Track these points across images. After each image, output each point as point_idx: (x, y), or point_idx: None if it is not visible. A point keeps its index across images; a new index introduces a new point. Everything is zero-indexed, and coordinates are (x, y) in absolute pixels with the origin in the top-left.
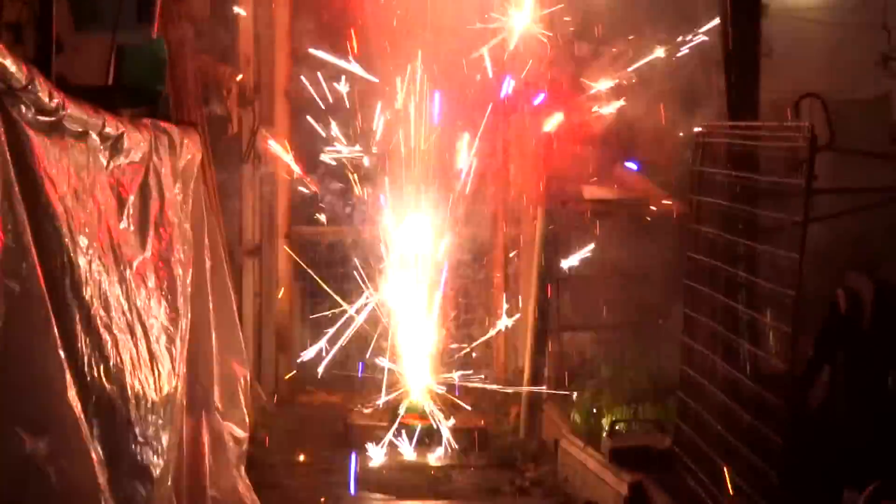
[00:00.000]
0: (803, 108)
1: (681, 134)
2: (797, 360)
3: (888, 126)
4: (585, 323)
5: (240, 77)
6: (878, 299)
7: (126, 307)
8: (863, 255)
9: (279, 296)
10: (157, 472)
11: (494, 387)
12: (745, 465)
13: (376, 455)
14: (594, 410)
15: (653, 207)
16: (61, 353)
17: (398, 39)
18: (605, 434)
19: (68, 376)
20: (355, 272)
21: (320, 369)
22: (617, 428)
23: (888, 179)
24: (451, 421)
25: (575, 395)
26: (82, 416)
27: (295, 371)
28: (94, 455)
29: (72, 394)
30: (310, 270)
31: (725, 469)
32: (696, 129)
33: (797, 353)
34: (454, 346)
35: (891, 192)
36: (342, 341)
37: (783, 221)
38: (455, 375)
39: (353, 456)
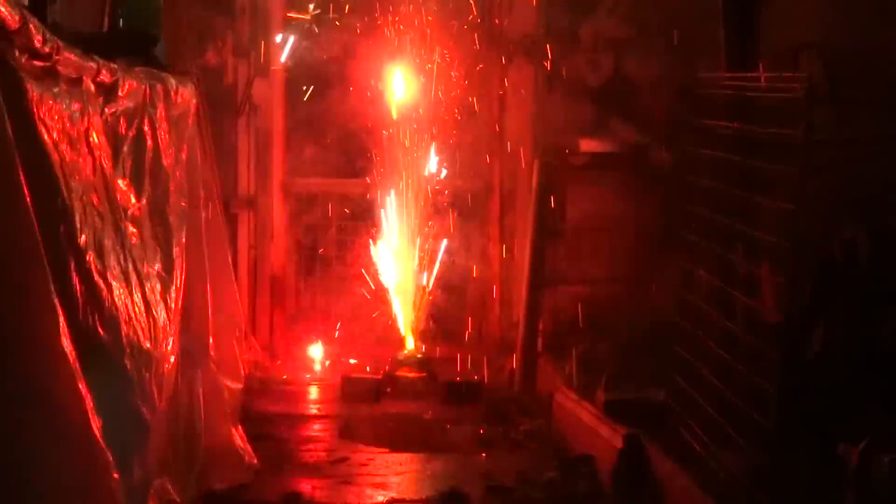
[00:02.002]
0: (802, 59)
1: (678, 86)
2: (793, 311)
3: (887, 75)
4: (581, 276)
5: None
6: (874, 247)
7: (121, 255)
8: (859, 204)
9: (274, 248)
10: (150, 421)
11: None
12: (740, 418)
13: (370, 407)
14: (589, 363)
15: (649, 159)
16: (55, 299)
17: None
18: (599, 387)
19: (62, 322)
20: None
21: None
22: (611, 381)
23: (886, 129)
24: (447, 374)
25: (570, 348)
26: (76, 362)
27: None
28: (87, 402)
29: (65, 340)
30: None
31: (720, 421)
32: (692, 80)
33: (793, 305)
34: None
35: (887, 141)
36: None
37: (780, 173)
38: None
39: (347, 408)
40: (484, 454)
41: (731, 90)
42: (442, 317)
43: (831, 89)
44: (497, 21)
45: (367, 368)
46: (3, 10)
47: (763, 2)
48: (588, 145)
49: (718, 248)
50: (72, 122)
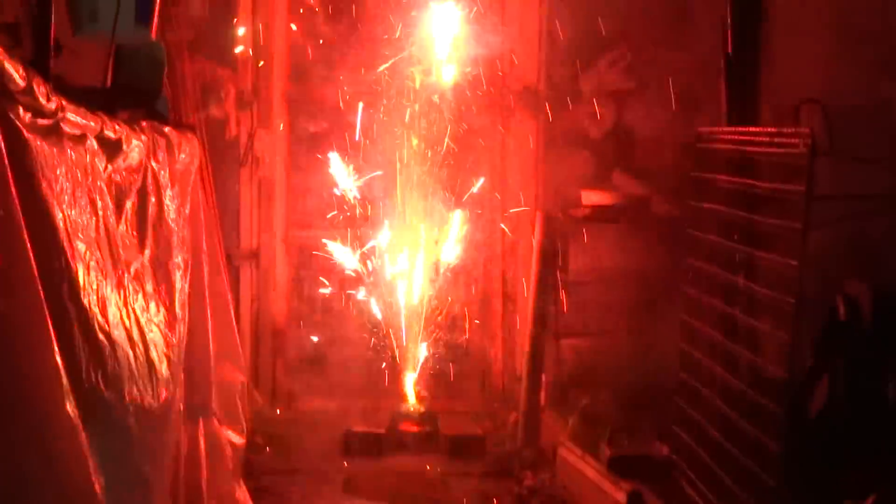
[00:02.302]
0: (804, 114)
1: (679, 139)
2: (796, 367)
3: (889, 132)
4: (584, 329)
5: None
6: (877, 306)
7: (124, 312)
8: (862, 262)
9: (276, 300)
10: (153, 478)
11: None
12: (743, 474)
13: (372, 461)
14: (592, 418)
15: (651, 211)
16: (58, 358)
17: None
18: (603, 442)
19: (65, 382)
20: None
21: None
22: (615, 436)
23: (888, 186)
24: (449, 428)
25: (573, 401)
26: (79, 422)
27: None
28: (90, 461)
29: (69, 399)
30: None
31: (724, 477)
32: (694, 135)
33: (796, 361)
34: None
35: (889, 198)
36: None
37: (782, 228)
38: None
39: (350, 462)
40: None
41: (733, 144)
42: (444, 370)
43: (833, 145)
44: (499, 74)
45: (371, 420)
46: (8, 68)
47: (764, 56)
48: (590, 198)
49: (721, 302)
50: (75, 178)
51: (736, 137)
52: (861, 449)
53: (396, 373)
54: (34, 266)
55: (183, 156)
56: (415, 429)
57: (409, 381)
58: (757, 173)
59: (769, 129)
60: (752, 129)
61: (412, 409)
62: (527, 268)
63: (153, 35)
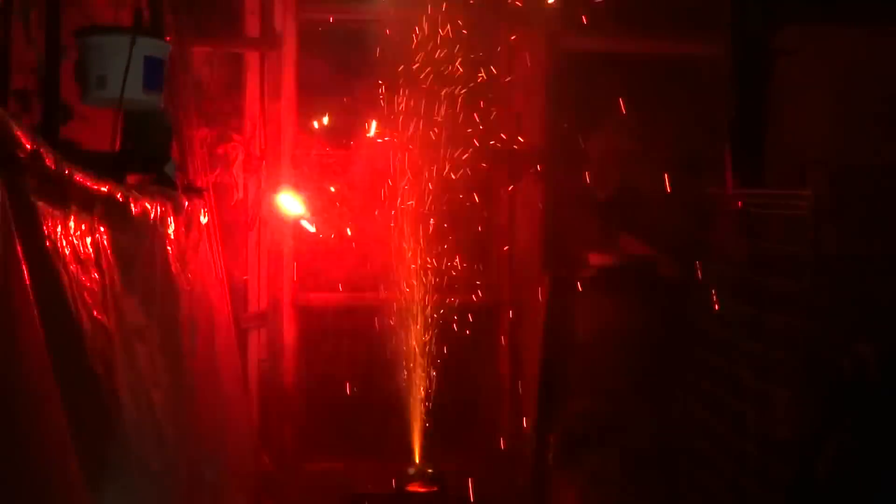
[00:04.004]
0: (810, 176)
1: (685, 201)
2: (804, 430)
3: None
4: (591, 389)
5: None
6: (884, 367)
7: (131, 376)
8: (869, 323)
9: (284, 363)
10: None
11: None
12: None
13: None
14: (601, 479)
15: (658, 273)
16: (66, 424)
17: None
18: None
19: (72, 448)
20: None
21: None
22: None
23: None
24: (458, 489)
25: (581, 462)
26: (86, 489)
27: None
28: None
29: (77, 467)
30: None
31: None
32: (700, 196)
33: (804, 422)
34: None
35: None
36: None
37: (788, 289)
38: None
39: None
40: None
41: (739, 206)
42: (451, 431)
43: (839, 206)
44: (504, 136)
45: (378, 482)
46: (16, 134)
47: (769, 118)
48: (596, 259)
49: (728, 363)
50: (82, 243)
51: (741, 199)
52: None
53: (403, 434)
54: (41, 329)
55: (191, 220)
56: (422, 490)
57: (416, 442)
58: (764, 234)
59: (774, 192)
60: (757, 191)
61: (420, 469)
62: (534, 328)
63: (161, 101)
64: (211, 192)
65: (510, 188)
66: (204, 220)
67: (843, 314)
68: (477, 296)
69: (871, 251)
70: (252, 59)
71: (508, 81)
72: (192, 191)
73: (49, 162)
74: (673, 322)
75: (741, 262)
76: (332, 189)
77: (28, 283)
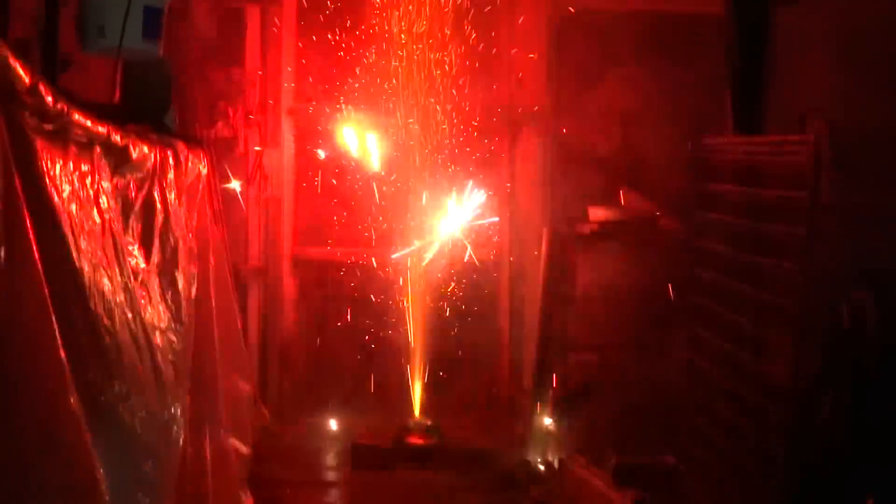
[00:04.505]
0: (809, 126)
1: (686, 156)
2: (802, 375)
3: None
4: (591, 342)
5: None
6: (881, 315)
7: (130, 316)
8: (867, 273)
9: (283, 316)
10: (159, 483)
11: None
12: (750, 481)
13: (379, 475)
14: (599, 429)
15: (658, 226)
16: (64, 360)
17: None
18: (609, 452)
19: (71, 384)
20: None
21: None
22: (621, 446)
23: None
24: (456, 441)
25: (580, 414)
26: (84, 422)
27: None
28: (94, 458)
29: (74, 402)
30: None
31: (730, 485)
32: (700, 146)
33: (802, 369)
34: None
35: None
36: None
37: (787, 236)
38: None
39: (357, 475)
40: None
41: (739, 155)
42: (452, 384)
43: (837, 156)
44: (506, 92)
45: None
46: (15, 69)
47: (769, 70)
48: (597, 214)
49: (727, 312)
50: (81, 183)
51: (741, 147)
52: (864, 456)
53: (403, 387)
54: (40, 265)
55: (190, 169)
56: (421, 442)
57: (416, 395)
58: (762, 183)
59: (774, 138)
60: (756, 138)
61: (419, 422)
62: (534, 283)
63: (161, 51)
64: (211, 145)
65: (511, 144)
66: (203, 170)
67: (841, 262)
68: (477, 251)
69: (869, 200)
70: (253, 12)
71: (510, 39)
72: (192, 141)
73: (48, 99)
74: (673, 274)
75: (740, 211)
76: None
77: (27, 220)
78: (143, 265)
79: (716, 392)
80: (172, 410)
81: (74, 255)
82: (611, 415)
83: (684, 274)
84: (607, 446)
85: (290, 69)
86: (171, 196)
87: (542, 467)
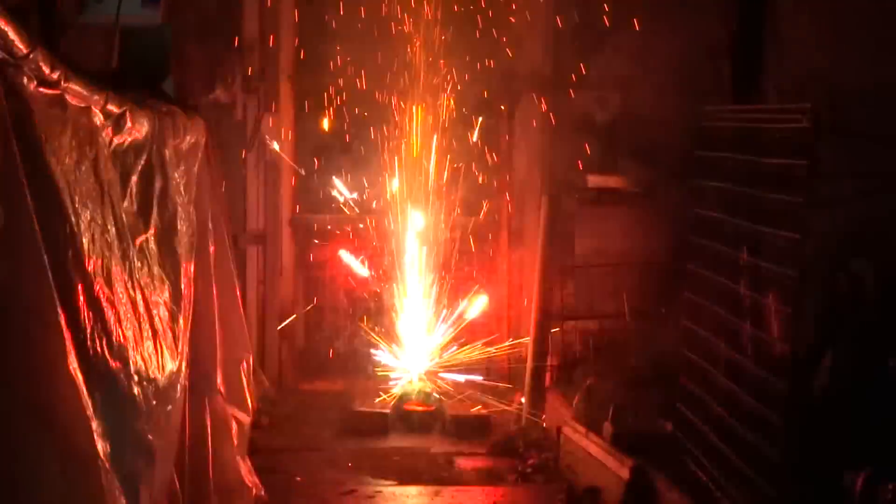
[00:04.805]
0: (809, 95)
1: (685, 123)
2: (800, 344)
3: (894, 112)
4: (590, 311)
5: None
6: (880, 283)
7: (129, 283)
8: (867, 240)
9: (283, 283)
10: (158, 449)
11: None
12: (746, 449)
13: (377, 441)
14: (597, 397)
15: (657, 196)
16: (63, 323)
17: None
18: (606, 420)
19: (69, 346)
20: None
21: None
22: (619, 414)
23: (893, 165)
24: (454, 408)
25: (578, 382)
26: (83, 386)
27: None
28: (94, 427)
29: (72, 364)
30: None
31: (727, 452)
32: (699, 113)
33: (800, 337)
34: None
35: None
36: None
37: (786, 204)
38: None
39: (356, 442)
40: (492, 488)
41: (738, 122)
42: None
43: (837, 123)
44: (506, 58)
45: (376, 401)
46: (12, 35)
47: (769, 36)
48: (596, 181)
49: (725, 279)
50: (79, 150)
51: (740, 115)
52: (862, 424)
53: (401, 353)
54: (38, 231)
55: (189, 136)
56: (420, 409)
57: (416, 363)
58: (761, 151)
59: (773, 106)
60: (756, 106)
61: (417, 389)
62: (533, 250)
63: (160, 17)
64: (209, 112)
65: (510, 111)
66: (202, 137)
67: (841, 232)
68: (477, 217)
69: (867, 168)
70: None
71: (509, 4)
72: (191, 108)
73: (46, 66)
74: (672, 244)
75: (739, 179)
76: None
77: (25, 186)
78: (141, 232)
79: (714, 360)
80: (171, 378)
81: (73, 221)
82: (609, 383)
83: (683, 242)
84: (605, 414)
85: (289, 35)
86: (170, 163)
87: (540, 435)
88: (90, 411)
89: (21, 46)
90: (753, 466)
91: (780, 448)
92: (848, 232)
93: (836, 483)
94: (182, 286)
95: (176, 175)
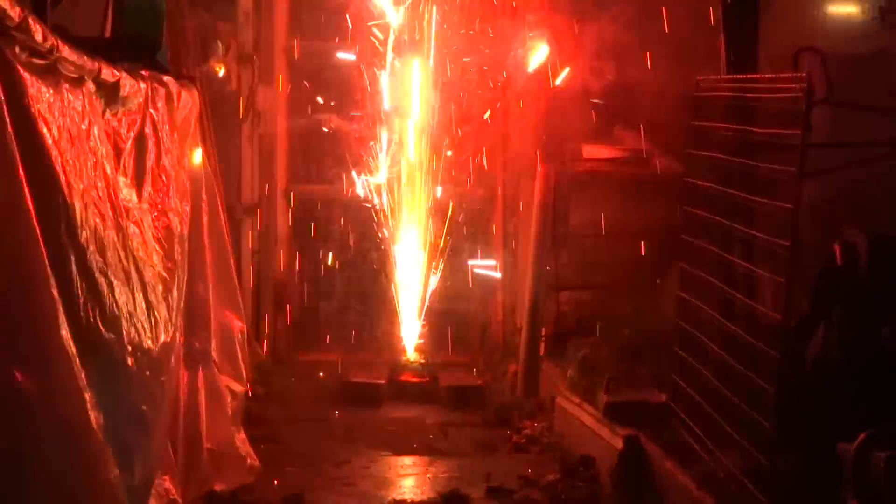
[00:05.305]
0: (802, 63)
1: (680, 94)
2: (793, 314)
3: (886, 80)
4: (584, 281)
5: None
6: (873, 253)
7: (122, 254)
8: (859, 210)
9: (277, 254)
10: (151, 419)
11: None
12: (740, 418)
13: (372, 412)
14: (591, 367)
15: (652, 167)
16: (55, 294)
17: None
18: (600, 390)
19: (62, 317)
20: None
21: None
22: (613, 384)
23: (886, 134)
24: (449, 379)
25: (572, 352)
26: (76, 358)
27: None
28: (87, 397)
29: (65, 334)
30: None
31: (720, 422)
32: (693, 84)
33: (793, 307)
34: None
35: (886, 146)
36: None
37: (779, 174)
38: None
39: (351, 412)
40: (486, 458)
41: (732, 92)
42: (445, 322)
43: (831, 93)
44: (500, 29)
45: (371, 372)
46: (3, 5)
47: (763, 6)
48: (591, 151)
49: (719, 249)
50: (72, 120)
51: (734, 85)
52: (855, 393)
53: (397, 325)
54: (30, 202)
55: (182, 107)
56: (414, 380)
57: (410, 334)
58: (755, 121)
59: (767, 76)
60: (749, 76)
61: (412, 360)
62: (528, 221)
63: None
64: (203, 82)
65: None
66: (196, 108)
67: (834, 202)
68: (472, 189)
69: (862, 138)
70: None
71: None
72: (185, 78)
73: (38, 35)
74: (666, 214)
75: (733, 149)
76: None
77: (17, 156)
78: (135, 202)
79: (707, 330)
80: (165, 348)
81: (66, 191)
82: (603, 353)
83: (677, 212)
84: (599, 384)
85: (283, 6)
86: (164, 133)
87: (534, 405)
88: (84, 382)
89: (12, 16)
90: (747, 436)
91: (773, 417)
92: (841, 200)
93: (828, 452)
94: (176, 256)
95: (170, 145)
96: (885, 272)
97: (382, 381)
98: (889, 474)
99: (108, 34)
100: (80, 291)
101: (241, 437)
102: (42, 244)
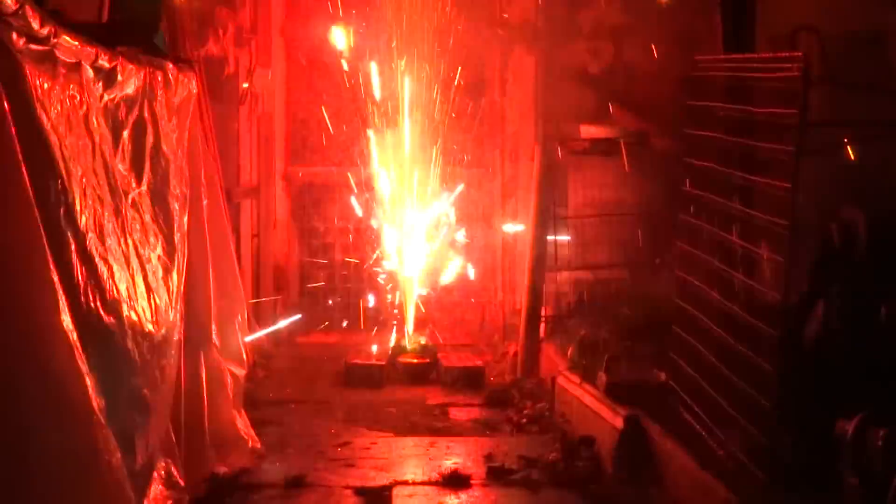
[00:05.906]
0: (800, 42)
1: (678, 74)
2: (792, 292)
3: (884, 59)
4: (583, 262)
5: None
6: (871, 232)
7: (122, 238)
8: (857, 189)
9: (277, 237)
10: (153, 402)
11: None
12: (739, 398)
13: (373, 393)
14: (590, 347)
15: (650, 144)
16: (55, 279)
17: None
18: (600, 370)
19: (62, 302)
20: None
21: None
22: (613, 364)
23: (883, 113)
24: (449, 360)
25: (572, 333)
26: (77, 342)
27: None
28: (88, 381)
29: (66, 319)
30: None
31: (720, 401)
32: (691, 64)
33: (792, 286)
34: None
35: (884, 125)
36: None
37: (776, 153)
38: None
39: (351, 394)
40: (486, 438)
41: (729, 72)
42: (445, 304)
43: (828, 72)
44: (498, 9)
45: (371, 354)
46: None
47: None
48: (589, 131)
49: (718, 230)
50: (70, 105)
51: (732, 65)
52: (854, 371)
53: (398, 306)
54: (30, 188)
55: (181, 90)
56: (415, 361)
57: (410, 315)
58: (753, 101)
59: (764, 55)
60: (747, 55)
61: (412, 342)
62: (526, 201)
63: None
64: (201, 65)
65: (502, 62)
66: (194, 91)
67: (832, 181)
68: (469, 168)
69: (858, 117)
70: None
71: None
72: (182, 62)
73: (35, 21)
74: (664, 194)
75: (731, 129)
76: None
77: (16, 142)
78: (134, 187)
79: (706, 309)
80: (166, 332)
81: (64, 177)
82: (602, 333)
83: (675, 191)
84: (599, 364)
85: None
86: (162, 117)
87: (534, 385)
88: (85, 367)
89: (9, 2)
90: (746, 415)
91: (772, 396)
92: (839, 180)
93: (827, 430)
94: (175, 240)
95: (168, 129)
96: (884, 251)
97: (383, 363)
98: (886, 451)
99: (105, 19)
100: (79, 276)
101: (242, 420)
102: (42, 229)
